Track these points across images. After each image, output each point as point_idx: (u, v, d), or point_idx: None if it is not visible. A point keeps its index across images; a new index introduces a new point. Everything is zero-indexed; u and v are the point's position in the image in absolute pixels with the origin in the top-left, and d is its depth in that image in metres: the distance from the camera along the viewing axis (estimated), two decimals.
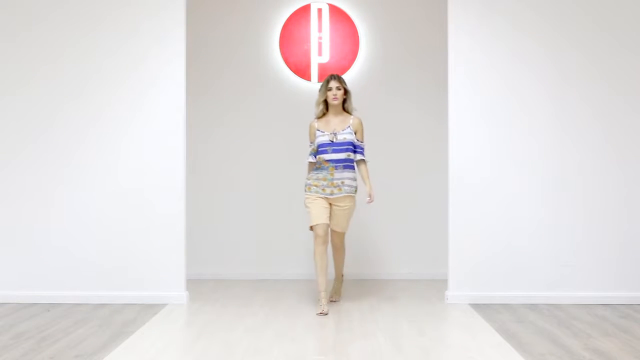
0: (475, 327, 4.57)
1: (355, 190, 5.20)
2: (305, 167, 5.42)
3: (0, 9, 5.38)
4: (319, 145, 5.14)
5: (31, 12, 5.38)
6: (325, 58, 6.51)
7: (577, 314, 4.93)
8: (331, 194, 5.11)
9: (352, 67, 6.55)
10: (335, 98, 5.15)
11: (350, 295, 5.64)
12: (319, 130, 5.18)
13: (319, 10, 6.55)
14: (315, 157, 5.18)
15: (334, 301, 5.33)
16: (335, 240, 5.37)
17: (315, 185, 5.12)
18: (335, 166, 5.10)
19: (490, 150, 5.35)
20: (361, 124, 5.20)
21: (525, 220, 5.33)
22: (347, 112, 5.23)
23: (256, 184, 6.60)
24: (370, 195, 5.17)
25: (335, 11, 6.56)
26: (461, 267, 5.31)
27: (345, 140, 5.12)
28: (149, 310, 5.03)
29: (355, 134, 5.17)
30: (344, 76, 6.54)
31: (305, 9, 6.57)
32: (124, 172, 5.33)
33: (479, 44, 5.35)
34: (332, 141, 5.11)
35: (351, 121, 5.19)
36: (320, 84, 5.45)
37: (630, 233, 5.33)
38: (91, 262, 5.32)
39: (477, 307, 5.14)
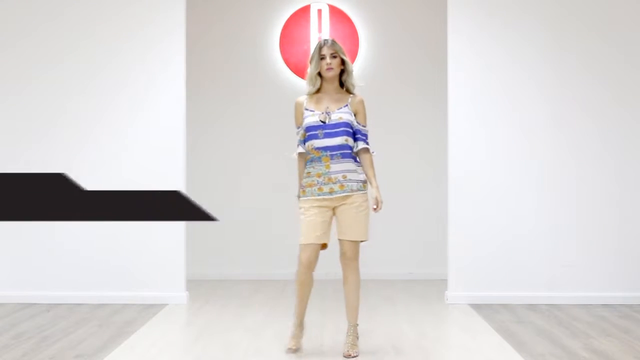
0: (475, 327, 4.57)
1: (365, 186, 3.92)
2: (295, 163, 4.06)
3: (2, 12, 5.39)
4: (307, 128, 3.89)
5: (33, 13, 5.39)
6: None
7: (577, 314, 4.93)
8: (330, 192, 3.84)
9: None
10: (330, 68, 3.87)
11: None
12: (307, 109, 3.93)
13: (319, 10, 6.55)
14: (305, 144, 3.95)
15: (353, 357, 3.85)
16: (346, 258, 3.92)
17: (310, 186, 3.88)
18: (331, 155, 3.84)
19: (489, 151, 5.35)
20: (363, 103, 3.96)
21: (525, 220, 5.33)
22: (347, 90, 3.98)
23: (256, 184, 6.60)
24: (376, 201, 3.87)
25: (335, 12, 6.56)
26: (461, 267, 5.31)
27: (341, 121, 3.86)
28: (149, 310, 5.03)
29: (355, 115, 3.93)
30: None
31: (305, 9, 6.57)
32: (124, 172, 5.33)
33: (478, 47, 5.36)
34: (324, 122, 3.86)
35: (350, 99, 3.94)
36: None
37: (630, 233, 5.33)
38: (91, 262, 5.32)
39: (477, 307, 5.14)
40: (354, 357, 3.82)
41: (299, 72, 6.55)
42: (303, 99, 3.99)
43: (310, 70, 3.94)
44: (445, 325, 4.80)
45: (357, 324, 3.95)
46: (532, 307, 5.14)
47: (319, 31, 6.53)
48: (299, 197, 3.95)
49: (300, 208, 3.92)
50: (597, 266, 5.33)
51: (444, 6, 5.41)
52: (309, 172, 3.90)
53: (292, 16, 6.57)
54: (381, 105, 6.54)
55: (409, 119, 6.57)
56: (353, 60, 6.53)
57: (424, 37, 6.53)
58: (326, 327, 4.49)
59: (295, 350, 3.91)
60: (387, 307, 5.20)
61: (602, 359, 3.78)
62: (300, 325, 3.98)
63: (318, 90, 3.96)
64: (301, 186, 3.94)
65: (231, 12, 6.62)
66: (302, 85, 6.47)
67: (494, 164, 5.35)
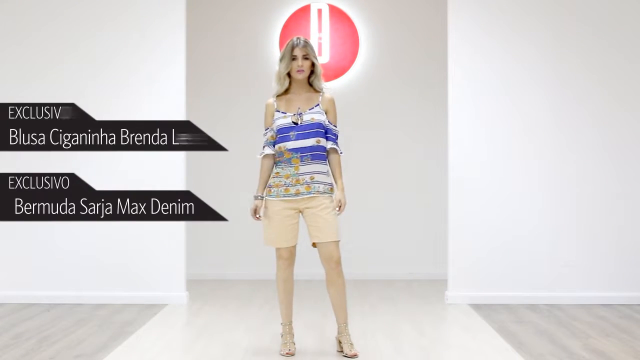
0: (475, 327, 4.57)
1: (332, 190, 3.89)
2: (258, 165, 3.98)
3: (2, 12, 5.40)
4: (279, 131, 3.85)
5: (32, 15, 5.39)
6: (325, 58, 6.50)
7: (577, 314, 4.93)
8: (296, 194, 3.82)
9: (352, 67, 6.55)
10: (301, 70, 3.86)
11: (350, 295, 5.63)
12: (278, 110, 3.90)
13: (319, 10, 6.55)
14: (274, 147, 3.91)
15: (352, 356, 3.83)
16: (334, 262, 3.84)
17: (277, 186, 3.86)
18: (301, 157, 3.80)
19: (489, 151, 5.35)
20: (334, 102, 3.93)
21: (525, 220, 5.33)
22: (315, 89, 3.95)
23: (256, 184, 6.58)
24: (339, 203, 3.84)
25: (335, 11, 6.56)
26: (461, 268, 5.31)
27: (314, 122, 3.83)
28: (149, 310, 5.04)
29: (326, 114, 3.90)
30: (342, 78, 6.58)
31: (305, 9, 6.57)
32: (124, 172, 5.33)
33: (478, 47, 5.35)
34: (296, 123, 3.83)
35: (320, 98, 3.91)
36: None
37: (630, 233, 5.33)
38: (91, 262, 5.33)
39: (476, 307, 5.14)
40: (358, 355, 3.82)
41: None
42: (272, 100, 3.96)
43: (280, 69, 3.91)
44: (445, 325, 4.80)
45: (346, 323, 3.93)
46: (532, 307, 5.14)
47: (319, 31, 6.53)
48: (260, 197, 3.89)
49: (265, 208, 3.90)
50: (597, 266, 5.33)
51: (444, 6, 5.41)
52: (278, 173, 3.88)
53: (292, 16, 6.57)
54: (381, 105, 6.55)
55: (409, 119, 6.57)
56: (353, 59, 6.55)
57: (424, 36, 6.53)
58: (326, 328, 4.49)
59: (293, 354, 3.87)
60: (387, 307, 5.20)
61: (602, 359, 3.78)
62: (290, 329, 3.97)
63: (286, 91, 3.95)
64: (267, 186, 3.91)
65: (231, 12, 6.62)
66: None
67: (494, 163, 5.35)
